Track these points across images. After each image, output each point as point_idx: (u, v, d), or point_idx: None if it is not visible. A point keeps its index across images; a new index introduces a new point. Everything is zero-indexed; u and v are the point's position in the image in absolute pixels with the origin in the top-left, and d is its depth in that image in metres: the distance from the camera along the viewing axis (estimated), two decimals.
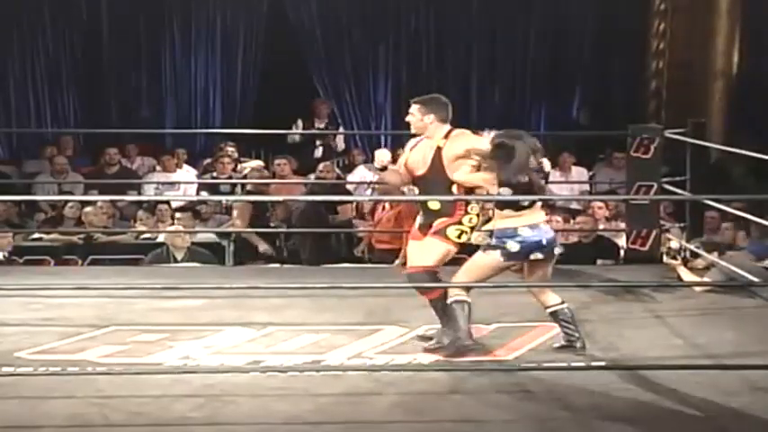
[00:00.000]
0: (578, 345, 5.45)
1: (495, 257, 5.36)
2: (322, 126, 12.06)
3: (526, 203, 5.31)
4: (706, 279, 6.86)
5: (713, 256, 7.00)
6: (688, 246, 7.54)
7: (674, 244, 7.42)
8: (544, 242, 5.35)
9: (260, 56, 12.98)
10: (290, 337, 5.86)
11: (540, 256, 5.36)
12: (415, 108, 5.66)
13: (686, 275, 6.96)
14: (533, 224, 5.35)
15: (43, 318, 6.24)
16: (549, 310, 5.47)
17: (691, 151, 7.98)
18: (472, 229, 5.51)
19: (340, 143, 12.15)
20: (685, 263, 7.16)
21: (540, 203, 5.45)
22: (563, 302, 5.47)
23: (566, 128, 12.97)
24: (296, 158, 11.07)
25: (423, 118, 5.62)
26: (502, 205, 5.34)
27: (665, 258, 7.33)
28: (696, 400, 4.78)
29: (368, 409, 4.69)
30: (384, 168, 5.69)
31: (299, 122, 11.90)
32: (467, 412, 4.65)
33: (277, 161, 10.44)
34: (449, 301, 5.40)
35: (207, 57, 13.01)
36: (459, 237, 5.49)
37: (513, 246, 5.32)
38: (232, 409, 4.65)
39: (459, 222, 5.49)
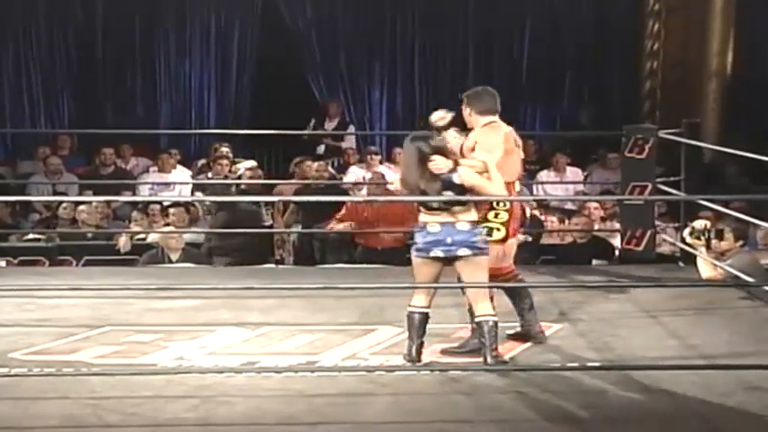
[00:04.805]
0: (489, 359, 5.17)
1: (413, 255, 5.32)
2: (333, 126, 12.04)
3: (435, 205, 5.17)
4: (723, 265, 6.79)
5: (737, 245, 6.97)
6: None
7: (699, 223, 7.20)
8: (449, 241, 5.18)
9: (255, 57, 12.96)
10: (284, 338, 5.86)
11: (439, 253, 5.20)
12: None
13: (703, 266, 6.92)
14: (445, 222, 5.19)
15: (38, 318, 6.23)
16: (476, 320, 5.25)
17: (685, 151, 7.98)
18: (503, 224, 5.45)
19: (350, 142, 12.10)
20: (708, 245, 7.02)
21: (467, 206, 5.22)
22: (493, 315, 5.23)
23: (561, 128, 12.97)
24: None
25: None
26: (423, 203, 5.24)
27: (688, 238, 7.12)
28: (691, 400, 4.79)
29: (363, 409, 4.69)
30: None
31: (312, 122, 11.90)
32: (461, 413, 4.65)
33: (307, 163, 10.27)
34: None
35: (202, 57, 12.99)
36: (491, 234, 5.39)
37: (418, 239, 5.26)
38: (227, 410, 4.64)
39: (486, 219, 5.43)
